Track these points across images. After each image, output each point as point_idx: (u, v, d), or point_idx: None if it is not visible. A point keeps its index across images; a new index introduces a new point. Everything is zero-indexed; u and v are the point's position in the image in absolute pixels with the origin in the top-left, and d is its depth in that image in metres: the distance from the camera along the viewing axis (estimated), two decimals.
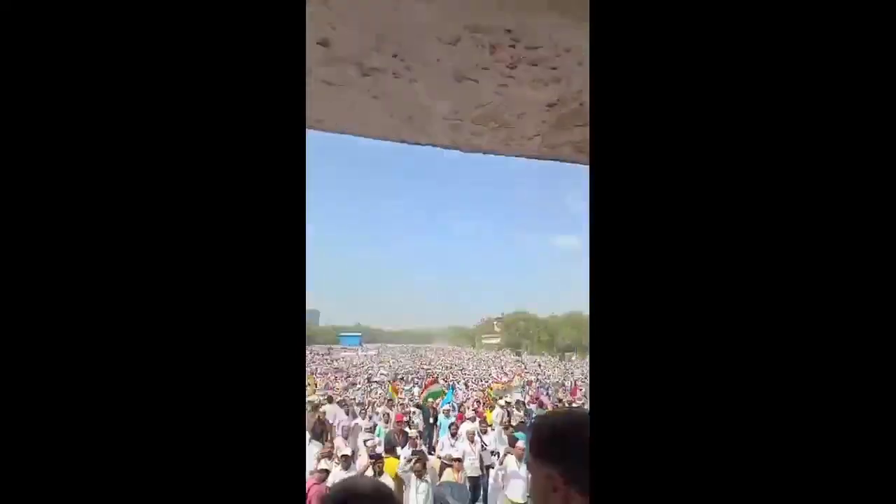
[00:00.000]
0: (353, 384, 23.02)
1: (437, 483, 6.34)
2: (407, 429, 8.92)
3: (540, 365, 44.51)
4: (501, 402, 11.97)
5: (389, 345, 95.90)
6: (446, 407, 11.47)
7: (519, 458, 6.57)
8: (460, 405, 12.66)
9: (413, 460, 5.98)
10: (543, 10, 0.96)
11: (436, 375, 20.84)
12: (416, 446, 7.51)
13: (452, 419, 9.75)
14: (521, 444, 6.83)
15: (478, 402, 13.83)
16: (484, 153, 1.61)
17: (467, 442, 7.88)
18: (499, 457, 7.40)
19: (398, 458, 6.58)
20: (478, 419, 9.89)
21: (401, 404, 13.45)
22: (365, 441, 8.10)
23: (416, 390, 16.93)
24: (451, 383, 17.06)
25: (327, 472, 5.74)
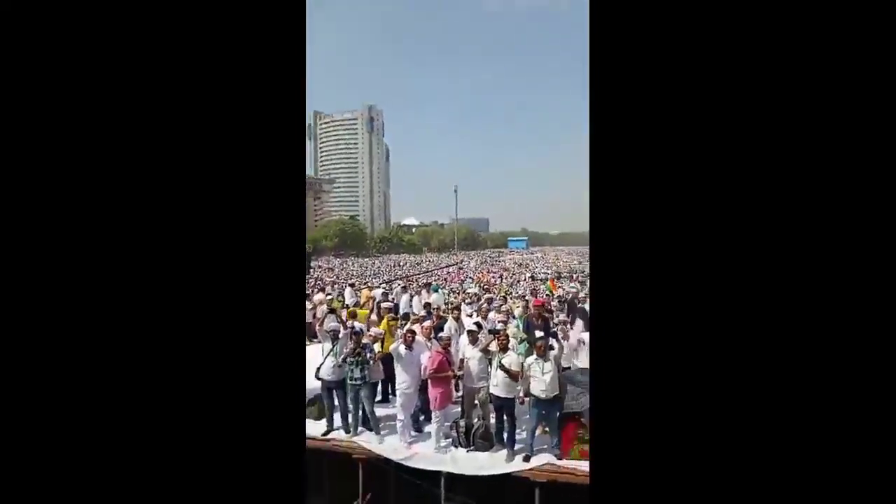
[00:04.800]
0: (518, 281, 24.34)
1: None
2: (547, 314, 8.25)
3: None
4: None
5: (556, 247, 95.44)
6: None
7: None
8: None
9: (540, 342, 5.65)
10: None
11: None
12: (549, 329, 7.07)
13: None
14: None
15: None
16: None
17: None
18: None
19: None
20: None
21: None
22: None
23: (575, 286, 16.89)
24: None
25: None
